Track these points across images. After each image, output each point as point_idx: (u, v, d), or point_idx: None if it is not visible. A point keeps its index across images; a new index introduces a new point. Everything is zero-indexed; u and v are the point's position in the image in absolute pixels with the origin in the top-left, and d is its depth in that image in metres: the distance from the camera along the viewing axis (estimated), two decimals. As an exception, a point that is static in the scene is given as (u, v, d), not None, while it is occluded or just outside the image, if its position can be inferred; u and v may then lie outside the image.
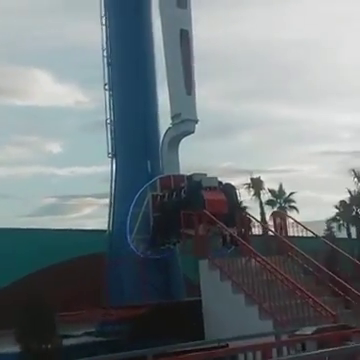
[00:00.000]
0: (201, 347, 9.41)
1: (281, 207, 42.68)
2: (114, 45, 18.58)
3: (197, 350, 9.16)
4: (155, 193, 15.18)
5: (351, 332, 9.53)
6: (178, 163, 15.82)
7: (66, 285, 19.12)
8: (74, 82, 52.61)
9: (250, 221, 15.21)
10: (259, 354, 8.46)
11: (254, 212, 44.91)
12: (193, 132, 15.49)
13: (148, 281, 15.08)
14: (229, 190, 14.50)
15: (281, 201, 43.30)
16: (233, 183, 15.84)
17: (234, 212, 14.12)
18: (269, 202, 41.08)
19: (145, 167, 17.71)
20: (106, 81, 18.84)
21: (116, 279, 16.52)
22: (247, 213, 16.63)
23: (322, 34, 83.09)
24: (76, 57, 46.55)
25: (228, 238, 14.06)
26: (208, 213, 13.61)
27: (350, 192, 41.62)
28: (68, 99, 63.87)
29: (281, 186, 42.96)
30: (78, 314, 15.67)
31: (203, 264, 14.28)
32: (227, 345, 9.59)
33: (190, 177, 14.53)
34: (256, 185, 39.95)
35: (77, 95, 63.02)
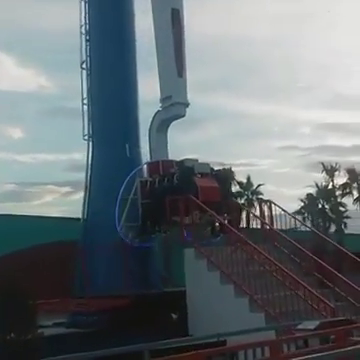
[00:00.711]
0: (197, 343, 8.68)
1: (248, 199, 42.64)
2: (93, 21, 17.52)
3: (193, 346, 8.45)
4: (144, 179, 14.52)
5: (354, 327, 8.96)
6: (167, 148, 15.24)
7: (33, 273, 18.00)
8: (37, 66, 51.07)
9: (241, 209, 14.49)
10: (266, 350, 7.81)
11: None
12: (184, 116, 14.93)
13: (128, 270, 14.22)
14: (222, 177, 14.02)
15: (249, 193, 43.28)
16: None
17: (226, 199, 13.60)
18: (237, 194, 40.87)
19: (123, 151, 16.82)
20: (83, 59, 17.83)
21: (91, 268, 15.60)
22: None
23: (285, 31, 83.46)
24: (40, 41, 45.05)
25: (217, 226, 13.45)
26: (195, 200, 12.90)
27: (317, 185, 41.81)
28: (31, 83, 62.17)
29: (249, 178, 42.88)
30: (49, 303, 14.72)
31: (189, 253, 13.54)
32: (225, 341, 8.87)
33: (181, 162, 13.95)
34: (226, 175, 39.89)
35: (40, 80, 61.42)
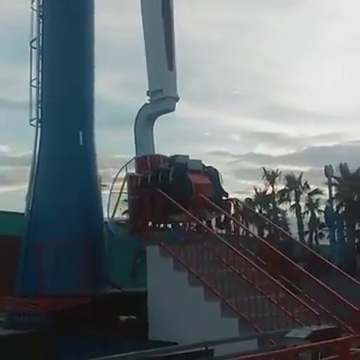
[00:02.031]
0: (183, 352, 7.55)
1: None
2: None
3: (178, 356, 7.34)
4: (134, 174, 13.62)
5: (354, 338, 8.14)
6: (153, 142, 14.53)
7: None
8: None
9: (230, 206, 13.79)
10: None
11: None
12: (173, 110, 14.34)
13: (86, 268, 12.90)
14: (212, 173, 13.47)
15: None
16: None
17: (218, 196, 13.08)
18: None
19: (76, 138, 15.43)
20: (34, 36, 16.24)
21: (36, 266, 14.12)
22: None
23: (223, 38, 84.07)
24: None
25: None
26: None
27: (256, 190, 41.77)
28: None
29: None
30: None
31: (152, 251, 12.36)
32: (213, 350, 7.79)
33: (173, 159, 13.41)
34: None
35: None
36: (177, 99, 14.25)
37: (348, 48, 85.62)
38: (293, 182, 40.87)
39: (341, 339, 7.61)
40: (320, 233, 51.27)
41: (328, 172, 41.78)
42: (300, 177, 42.34)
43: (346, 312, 11.21)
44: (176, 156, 13.49)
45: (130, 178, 13.35)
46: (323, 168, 38.18)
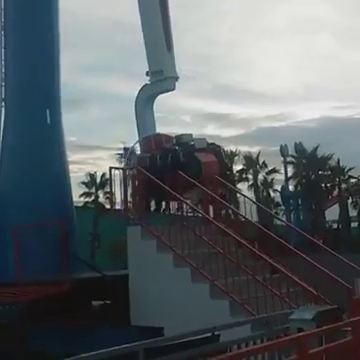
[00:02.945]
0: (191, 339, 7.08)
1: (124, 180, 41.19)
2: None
3: (185, 343, 6.88)
4: (143, 154, 13.56)
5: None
6: (154, 122, 14.76)
7: None
8: None
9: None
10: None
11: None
12: (173, 89, 14.63)
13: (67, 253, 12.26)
14: (216, 150, 13.70)
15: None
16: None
17: (224, 172, 13.65)
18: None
19: (43, 117, 14.67)
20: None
21: (5, 251, 13.36)
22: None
23: (172, 17, 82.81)
24: None
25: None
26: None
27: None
28: None
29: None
30: None
31: (133, 232, 11.81)
32: (219, 335, 7.37)
33: (179, 138, 13.45)
34: (129, 155, 38.07)
35: None
36: (177, 78, 14.53)
37: (293, 28, 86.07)
38: (251, 162, 40.91)
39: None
40: (275, 212, 51.67)
41: (284, 151, 42.04)
42: (257, 156, 42.51)
43: (334, 291, 11.04)
44: (182, 135, 13.53)
45: (139, 159, 13.35)
46: (276, 148, 38.27)
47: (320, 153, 48.08)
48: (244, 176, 41.93)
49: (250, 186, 42.34)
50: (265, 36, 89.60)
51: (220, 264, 10.89)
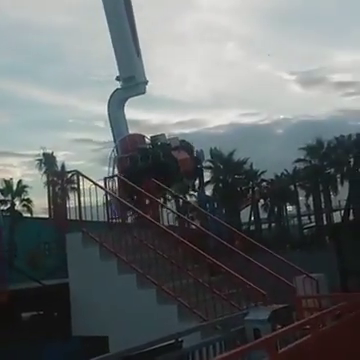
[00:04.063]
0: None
1: (63, 188, 40.31)
2: None
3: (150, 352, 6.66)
4: (123, 155, 14.33)
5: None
6: (127, 124, 15.34)
7: None
8: None
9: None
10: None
11: (43, 190, 43.24)
12: (144, 93, 15.44)
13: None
14: (189, 147, 14.74)
15: (62, 182, 41.06)
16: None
17: (195, 166, 14.70)
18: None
19: None
20: None
21: None
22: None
23: (83, 23, 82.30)
24: None
25: None
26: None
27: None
28: None
29: (63, 166, 40.68)
30: None
31: (73, 239, 11.38)
32: (182, 342, 7.21)
33: (156, 138, 14.49)
34: (49, 161, 36.74)
35: None
36: (147, 82, 15.23)
37: (202, 37, 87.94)
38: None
39: (315, 315, 7.38)
40: (191, 217, 51.98)
41: (199, 156, 42.54)
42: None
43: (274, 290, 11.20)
44: (157, 136, 14.46)
45: (120, 160, 14.04)
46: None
47: (235, 158, 49.10)
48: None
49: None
50: (175, 43, 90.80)
51: (164, 268, 10.74)
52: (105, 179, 13.00)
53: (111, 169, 14.35)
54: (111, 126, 15.30)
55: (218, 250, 12.19)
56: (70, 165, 61.98)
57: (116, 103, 15.27)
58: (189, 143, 14.98)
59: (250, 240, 13.44)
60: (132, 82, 15.01)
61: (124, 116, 15.45)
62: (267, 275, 11.25)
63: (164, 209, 13.96)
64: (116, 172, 14.26)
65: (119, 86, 15.35)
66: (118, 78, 15.23)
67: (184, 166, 14.11)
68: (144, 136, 15.01)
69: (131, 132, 15.20)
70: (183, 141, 14.78)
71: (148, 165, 13.77)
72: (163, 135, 14.70)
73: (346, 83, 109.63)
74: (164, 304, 10.26)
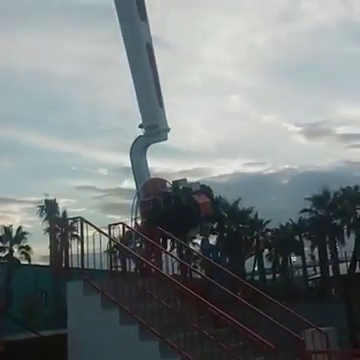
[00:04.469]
0: None
1: (63, 235, 39.93)
2: None
3: None
4: (146, 199, 14.91)
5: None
6: (148, 168, 15.88)
7: None
8: None
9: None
10: None
11: (43, 237, 42.66)
12: (166, 140, 16.00)
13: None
14: (208, 192, 15.32)
15: (62, 230, 40.74)
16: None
17: (216, 211, 15.93)
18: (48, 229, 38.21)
19: None
20: None
21: None
22: None
23: (89, 73, 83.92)
24: None
25: None
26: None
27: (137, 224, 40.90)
28: None
29: (65, 213, 40.42)
30: None
31: (74, 287, 11.00)
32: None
33: (177, 183, 15.08)
34: (50, 207, 36.53)
35: None
36: (169, 130, 15.81)
37: (207, 88, 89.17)
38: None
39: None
40: (194, 265, 51.33)
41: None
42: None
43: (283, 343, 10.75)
44: (178, 180, 15.09)
45: (142, 203, 14.64)
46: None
47: (239, 207, 48.80)
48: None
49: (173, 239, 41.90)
50: (181, 94, 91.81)
51: (168, 320, 10.35)
52: (109, 226, 12.80)
53: (134, 214, 14.84)
54: (133, 171, 15.82)
55: (223, 300, 11.81)
56: (71, 212, 61.90)
57: (138, 150, 15.83)
58: (209, 188, 15.63)
59: (255, 290, 13.01)
60: (155, 130, 15.59)
61: (146, 162, 15.95)
62: (275, 327, 10.82)
63: (168, 257, 13.75)
64: (138, 216, 14.88)
65: (142, 133, 15.94)
66: (141, 126, 15.80)
67: (205, 209, 14.69)
68: (166, 180, 15.51)
69: (152, 177, 15.71)
70: (203, 186, 15.39)
71: (171, 208, 14.36)
72: (184, 180, 15.28)
73: (351, 135, 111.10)
74: (167, 358, 9.79)
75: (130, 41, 15.27)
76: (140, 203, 14.77)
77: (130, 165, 15.90)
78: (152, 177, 15.72)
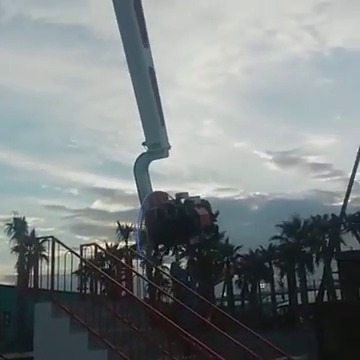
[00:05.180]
0: None
1: (32, 254, 39.21)
2: None
3: None
4: (151, 209, 15.99)
5: None
6: (151, 182, 16.88)
7: None
8: None
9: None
10: None
11: (9, 256, 41.63)
12: (167, 157, 17.07)
13: None
14: (207, 205, 16.41)
15: (31, 249, 40.01)
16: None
17: (212, 222, 16.76)
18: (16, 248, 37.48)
19: None
20: None
21: None
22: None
23: (64, 92, 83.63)
24: None
25: None
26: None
27: (107, 246, 40.46)
28: None
29: (34, 232, 39.73)
30: None
31: (42, 309, 10.63)
32: None
33: (180, 195, 16.18)
34: (19, 226, 35.82)
35: None
36: (170, 147, 16.94)
37: (181, 113, 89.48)
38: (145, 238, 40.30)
39: None
40: (164, 289, 50.85)
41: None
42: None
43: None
44: (181, 193, 16.28)
45: (147, 213, 15.76)
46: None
47: (211, 231, 48.63)
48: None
49: (143, 262, 41.49)
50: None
51: (138, 345, 10.05)
52: (81, 247, 12.49)
53: (138, 224, 15.93)
54: (137, 186, 16.89)
55: (193, 326, 11.58)
56: (40, 232, 60.91)
57: (142, 165, 16.91)
58: (208, 202, 16.67)
59: (226, 315, 12.86)
60: (158, 148, 16.71)
61: (149, 176, 17.14)
62: (247, 356, 10.62)
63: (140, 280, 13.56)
64: (143, 227, 16.02)
65: (144, 150, 17.00)
66: (144, 143, 16.84)
67: (204, 221, 15.88)
68: (167, 194, 16.70)
69: (154, 190, 16.77)
70: (203, 200, 16.58)
71: (174, 218, 15.56)
72: (186, 193, 16.48)
73: (321, 165, 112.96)
74: (136, 384, 9.48)
75: (134, 66, 16.64)
76: (145, 212, 16.01)
77: (134, 180, 17.08)
78: (155, 190, 16.97)
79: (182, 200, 16.19)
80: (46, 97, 77.27)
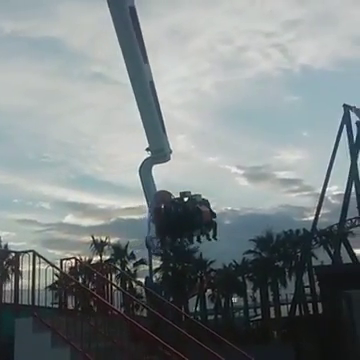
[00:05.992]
0: None
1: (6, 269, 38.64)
2: None
3: None
4: (159, 205, 17.38)
5: None
6: (155, 183, 18.35)
7: None
8: None
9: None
10: None
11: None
12: (169, 160, 18.60)
13: None
14: (207, 203, 17.60)
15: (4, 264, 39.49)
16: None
17: (212, 219, 17.62)
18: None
19: None
20: None
21: None
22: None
23: (34, 104, 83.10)
24: None
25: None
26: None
27: (78, 260, 40.06)
28: None
29: (7, 246, 39.23)
30: None
31: (23, 324, 10.49)
32: None
33: (184, 194, 17.48)
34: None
35: None
36: (171, 152, 18.47)
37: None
38: (119, 252, 40.10)
39: None
40: (136, 304, 50.61)
41: (149, 243, 41.95)
42: (126, 247, 41.84)
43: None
44: (184, 192, 17.50)
45: (155, 209, 17.01)
46: (135, 239, 38.13)
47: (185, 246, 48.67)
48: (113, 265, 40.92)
49: (117, 276, 41.25)
50: (127, 130, 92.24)
51: (121, 358, 10.00)
52: (61, 261, 12.41)
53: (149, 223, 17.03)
54: (143, 188, 18.26)
55: (171, 339, 11.59)
56: (12, 246, 60.05)
57: (146, 170, 18.37)
58: (207, 200, 17.84)
59: (205, 328, 12.88)
60: (161, 153, 18.20)
61: (153, 178, 18.57)
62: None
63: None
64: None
65: (148, 155, 18.39)
66: (148, 149, 18.27)
67: (205, 217, 17.20)
68: (171, 193, 17.93)
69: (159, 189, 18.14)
70: (203, 199, 17.82)
71: (180, 214, 16.99)
72: (189, 192, 17.73)
73: (290, 180, 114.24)
74: None
75: (135, 81, 18.09)
76: (154, 209, 17.41)
77: (139, 182, 18.46)
78: (159, 190, 18.46)
79: (185, 198, 17.64)
80: (18, 110, 76.87)
